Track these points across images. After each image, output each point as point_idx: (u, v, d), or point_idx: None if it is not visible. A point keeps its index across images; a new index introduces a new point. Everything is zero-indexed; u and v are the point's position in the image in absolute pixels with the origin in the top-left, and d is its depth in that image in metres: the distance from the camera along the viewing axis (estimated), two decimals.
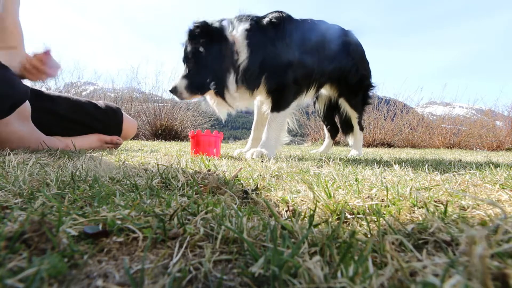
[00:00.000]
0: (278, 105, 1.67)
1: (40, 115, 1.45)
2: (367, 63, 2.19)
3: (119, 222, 0.36)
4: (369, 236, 0.36)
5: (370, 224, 0.40)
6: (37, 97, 1.51)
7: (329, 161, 1.16)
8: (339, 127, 2.42)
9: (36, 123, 1.41)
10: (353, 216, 0.45)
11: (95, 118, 1.74)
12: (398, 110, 6.72)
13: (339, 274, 0.26)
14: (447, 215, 0.43)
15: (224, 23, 1.57)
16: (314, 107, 2.43)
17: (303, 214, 0.46)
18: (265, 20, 1.62)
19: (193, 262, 0.30)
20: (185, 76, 1.58)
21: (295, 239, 0.35)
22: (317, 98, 2.33)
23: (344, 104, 2.19)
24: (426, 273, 0.27)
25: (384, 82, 19.41)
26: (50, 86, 6.43)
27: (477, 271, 0.23)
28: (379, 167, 1.01)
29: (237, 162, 1.14)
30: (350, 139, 2.37)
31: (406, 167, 1.03)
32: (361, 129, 2.29)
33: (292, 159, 1.28)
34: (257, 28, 1.59)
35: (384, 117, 6.53)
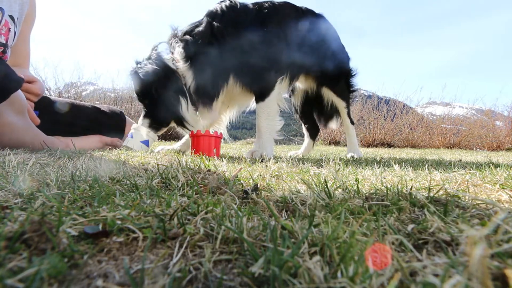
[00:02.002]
0: (261, 93, 1.58)
1: (43, 120, 1.45)
2: (343, 47, 2.05)
3: (119, 222, 0.36)
4: (369, 236, 0.36)
5: (370, 224, 0.40)
6: (40, 102, 1.51)
7: (329, 161, 1.16)
8: (318, 123, 2.22)
9: (39, 127, 1.41)
10: (353, 216, 0.45)
11: (98, 122, 1.78)
12: (398, 110, 6.73)
13: (339, 274, 0.26)
14: (447, 215, 0.43)
15: (162, 51, 1.54)
16: (290, 103, 2.20)
17: (303, 214, 0.46)
18: (202, 24, 1.52)
19: (193, 262, 0.30)
20: (145, 116, 1.60)
21: (295, 239, 0.35)
22: (292, 91, 2.14)
23: (328, 93, 2.00)
24: (426, 273, 0.27)
25: (384, 82, 19.42)
26: (50, 86, 6.44)
27: (477, 271, 0.23)
28: (379, 167, 1.01)
29: (237, 162, 1.14)
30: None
31: (406, 167, 1.03)
32: (352, 122, 2.08)
33: (292, 159, 1.28)
34: (194, 41, 1.49)
35: (384, 117, 6.54)
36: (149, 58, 1.53)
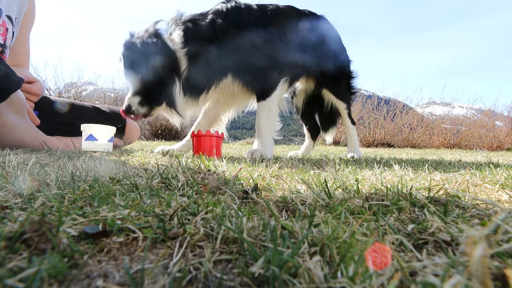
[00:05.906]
0: (263, 92, 1.58)
1: (43, 120, 1.45)
2: (344, 49, 2.06)
3: (119, 222, 0.36)
4: (369, 236, 0.36)
5: (370, 224, 0.40)
6: (40, 102, 1.51)
7: (329, 161, 1.16)
8: (319, 125, 2.22)
9: (39, 127, 1.41)
10: (353, 216, 0.45)
11: (98, 122, 1.77)
12: (398, 110, 6.73)
13: (339, 274, 0.26)
14: (447, 215, 0.43)
15: (161, 28, 1.46)
16: (292, 104, 2.22)
17: (303, 214, 0.46)
18: (206, 19, 1.49)
19: (193, 262, 0.30)
20: (135, 93, 1.50)
21: (295, 239, 0.35)
22: (294, 93, 2.14)
23: (328, 95, 2.01)
24: (426, 273, 0.27)
25: (384, 82, 19.47)
26: (50, 86, 6.44)
27: (477, 271, 0.23)
28: (379, 167, 1.01)
29: (237, 162, 1.14)
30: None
31: (406, 167, 1.03)
32: (353, 123, 2.07)
33: (292, 159, 1.28)
34: (196, 31, 1.46)
35: (384, 117, 6.54)
36: (147, 31, 1.45)
